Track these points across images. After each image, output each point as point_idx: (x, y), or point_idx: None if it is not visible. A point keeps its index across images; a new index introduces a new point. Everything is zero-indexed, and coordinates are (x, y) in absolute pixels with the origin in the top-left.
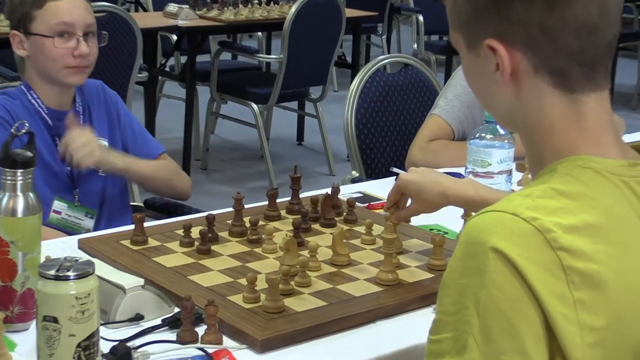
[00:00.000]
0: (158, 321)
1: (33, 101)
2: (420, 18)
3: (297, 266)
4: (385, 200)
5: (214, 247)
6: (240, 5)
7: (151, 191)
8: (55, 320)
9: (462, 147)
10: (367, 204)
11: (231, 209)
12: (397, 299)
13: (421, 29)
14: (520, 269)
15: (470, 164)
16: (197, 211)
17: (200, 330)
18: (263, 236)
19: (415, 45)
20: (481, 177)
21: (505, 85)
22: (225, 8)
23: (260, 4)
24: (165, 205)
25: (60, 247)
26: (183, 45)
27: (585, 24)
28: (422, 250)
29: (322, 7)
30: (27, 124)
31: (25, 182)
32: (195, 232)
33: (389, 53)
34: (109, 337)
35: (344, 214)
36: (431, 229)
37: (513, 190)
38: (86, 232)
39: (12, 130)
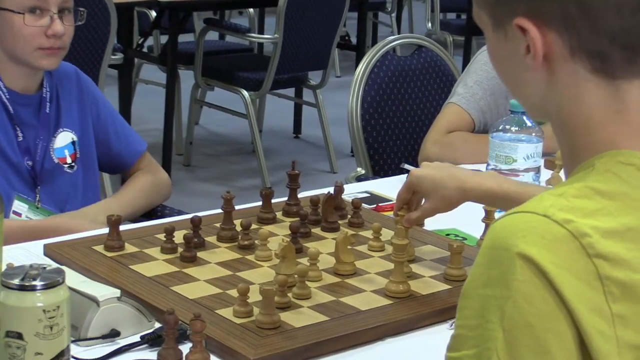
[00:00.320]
0: (136, 338)
1: None
2: None
3: (295, 276)
4: (395, 201)
5: (200, 254)
6: None
7: None
8: (19, 336)
9: (484, 140)
10: (374, 206)
11: (219, 211)
12: (409, 314)
13: (436, 6)
14: (552, 279)
15: (492, 160)
16: (180, 213)
17: (185, 348)
18: (256, 241)
19: (430, 25)
20: (505, 175)
21: (537, 71)
22: None
23: None
24: None
25: (21, 254)
26: (163, 22)
27: (629, 0)
28: (438, 258)
29: None
30: None
31: None
32: (178, 236)
33: (399, 33)
34: (80, 355)
35: (349, 216)
36: (448, 234)
37: (540, 167)
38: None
39: None
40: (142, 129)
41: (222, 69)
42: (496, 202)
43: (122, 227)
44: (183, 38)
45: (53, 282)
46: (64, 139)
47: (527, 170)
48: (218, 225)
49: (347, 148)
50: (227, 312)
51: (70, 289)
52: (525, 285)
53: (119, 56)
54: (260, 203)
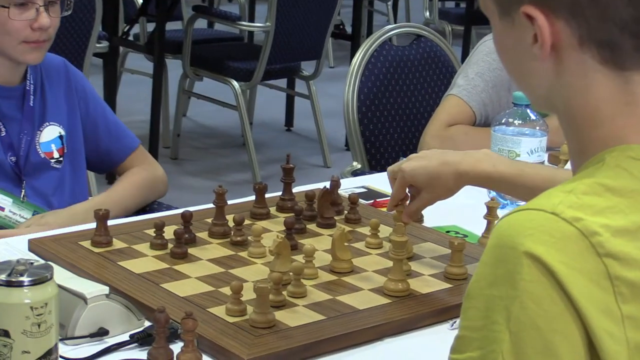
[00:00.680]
0: (125, 337)
1: None
2: None
3: (290, 273)
4: (390, 200)
5: (191, 250)
6: None
7: None
8: (6, 334)
9: (486, 134)
10: (372, 201)
11: (211, 206)
12: (408, 313)
13: None
14: (560, 278)
15: None
16: (169, 208)
17: (176, 348)
18: (249, 238)
19: (427, 13)
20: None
21: (544, 61)
22: None
23: None
24: None
25: (5, 249)
26: (150, 9)
27: None
28: (438, 256)
29: None
30: None
31: None
32: (168, 232)
33: (395, 22)
34: (67, 355)
35: (345, 212)
36: (448, 232)
37: (544, 162)
38: None
39: None
40: (127, 121)
41: (211, 58)
42: (492, 184)
43: (109, 222)
44: (170, 26)
45: (41, 277)
46: (50, 133)
47: None
48: (209, 220)
49: (341, 142)
50: (219, 311)
51: (57, 285)
52: (532, 286)
53: (104, 44)
54: (252, 198)
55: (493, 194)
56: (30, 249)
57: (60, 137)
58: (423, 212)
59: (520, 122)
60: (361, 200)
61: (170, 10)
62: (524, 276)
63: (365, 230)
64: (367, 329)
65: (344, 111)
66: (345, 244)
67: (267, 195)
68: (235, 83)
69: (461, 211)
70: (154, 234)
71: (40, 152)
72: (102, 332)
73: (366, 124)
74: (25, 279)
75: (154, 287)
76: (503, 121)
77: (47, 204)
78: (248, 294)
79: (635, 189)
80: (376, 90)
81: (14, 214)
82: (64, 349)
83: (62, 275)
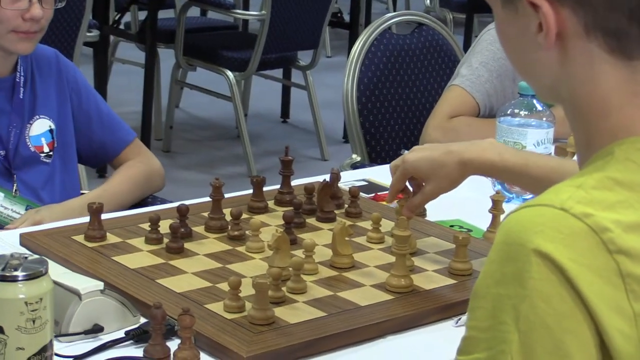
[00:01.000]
0: (121, 333)
1: None
2: None
3: (290, 269)
4: (389, 191)
5: (187, 245)
6: None
7: None
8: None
9: (490, 125)
10: (373, 195)
11: (207, 199)
12: (411, 310)
13: None
14: (570, 276)
15: None
16: (164, 202)
17: (173, 345)
18: (247, 232)
19: (428, 1)
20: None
21: (549, 50)
22: None
23: None
24: None
25: None
26: None
27: None
28: (442, 251)
29: None
30: None
31: None
32: (164, 226)
33: (394, 10)
34: (61, 352)
35: (346, 206)
36: (451, 226)
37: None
38: None
39: None
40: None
41: (205, 47)
42: (497, 174)
43: (103, 216)
44: (163, 14)
45: (36, 272)
46: (40, 126)
47: None
48: (206, 214)
49: (339, 133)
50: (217, 307)
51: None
52: (541, 284)
53: (95, 33)
54: (249, 191)
55: (498, 187)
56: (22, 244)
57: (50, 130)
58: (425, 206)
59: (526, 113)
60: (362, 194)
61: None
62: (533, 274)
63: (366, 224)
64: (369, 326)
65: (343, 102)
66: (346, 238)
67: (265, 189)
68: (229, 73)
69: (465, 204)
70: (149, 228)
71: (30, 146)
72: (97, 329)
73: (366, 115)
74: (19, 273)
75: (150, 282)
76: (508, 112)
77: (37, 198)
78: (246, 289)
79: None
80: (376, 81)
81: (6, 208)
82: (58, 346)
83: (55, 271)
